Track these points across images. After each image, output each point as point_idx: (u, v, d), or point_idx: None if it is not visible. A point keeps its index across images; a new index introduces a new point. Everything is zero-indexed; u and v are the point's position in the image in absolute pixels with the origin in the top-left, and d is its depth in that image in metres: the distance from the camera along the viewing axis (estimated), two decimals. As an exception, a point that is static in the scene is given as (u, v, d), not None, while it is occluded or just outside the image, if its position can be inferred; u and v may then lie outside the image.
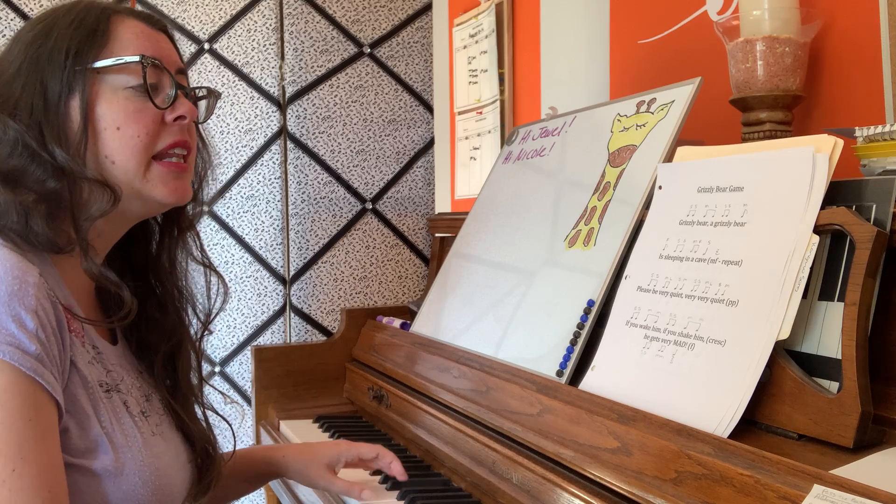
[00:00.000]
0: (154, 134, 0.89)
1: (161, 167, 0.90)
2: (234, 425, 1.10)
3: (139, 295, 0.93)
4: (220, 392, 1.16)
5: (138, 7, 2.05)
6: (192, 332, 1.03)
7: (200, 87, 0.98)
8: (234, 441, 1.11)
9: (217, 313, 1.03)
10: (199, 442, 0.97)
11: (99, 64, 0.87)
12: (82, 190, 0.86)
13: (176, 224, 1.01)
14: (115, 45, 0.88)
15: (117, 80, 0.87)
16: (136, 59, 0.88)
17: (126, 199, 0.89)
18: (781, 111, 1.10)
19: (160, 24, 0.95)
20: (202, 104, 0.98)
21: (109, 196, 0.86)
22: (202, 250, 1.03)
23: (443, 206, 2.26)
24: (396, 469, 1.21)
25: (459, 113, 2.13)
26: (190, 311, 1.02)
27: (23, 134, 0.82)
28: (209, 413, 1.04)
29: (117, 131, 0.87)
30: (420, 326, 1.62)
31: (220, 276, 1.03)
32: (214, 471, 0.99)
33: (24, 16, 1.98)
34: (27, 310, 0.73)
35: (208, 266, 1.03)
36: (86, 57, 0.86)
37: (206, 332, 1.04)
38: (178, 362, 0.99)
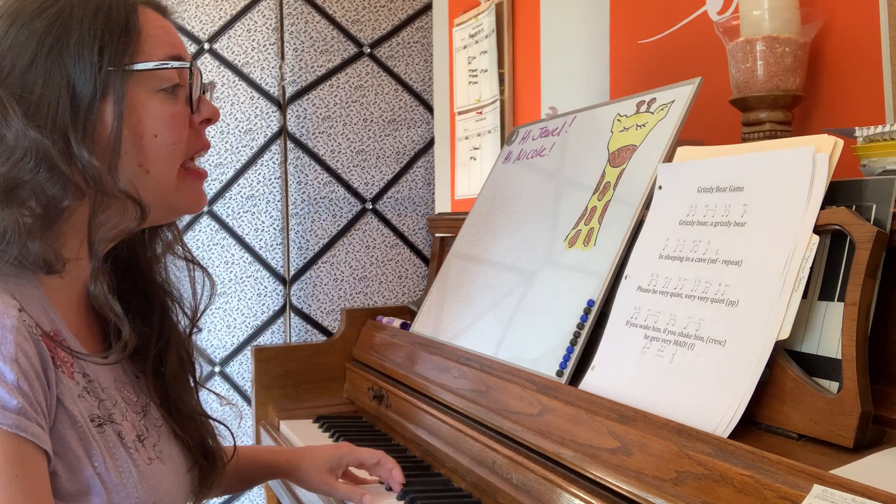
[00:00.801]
0: (186, 140, 0.85)
1: (190, 178, 0.87)
2: (232, 426, 1.08)
3: (125, 298, 0.89)
4: (216, 394, 1.12)
5: None
6: (182, 329, 0.98)
7: (206, 82, 0.92)
8: (234, 443, 1.08)
9: (205, 309, 0.98)
10: (196, 443, 0.95)
11: (140, 67, 0.80)
12: (106, 206, 0.79)
13: None
14: (148, 43, 0.82)
15: (151, 82, 0.82)
16: (186, 64, 0.83)
17: (151, 209, 0.84)
18: (781, 111, 1.10)
19: (168, 13, 0.90)
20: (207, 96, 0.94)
21: (137, 213, 0.81)
22: (183, 245, 0.97)
23: (443, 206, 2.26)
24: (397, 476, 1.19)
25: (459, 113, 2.14)
26: (178, 309, 0.98)
27: (47, 146, 0.74)
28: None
29: (154, 139, 0.82)
30: (420, 326, 1.62)
31: (204, 270, 0.97)
32: (216, 469, 0.97)
33: None
34: (6, 360, 0.68)
35: (190, 260, 0.97)
36: (121, 57, 0.79)
37: (196, 330, 0.99)
38: (167, 366, 0.94)
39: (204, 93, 0.91)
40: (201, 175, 0.89)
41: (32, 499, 0.69)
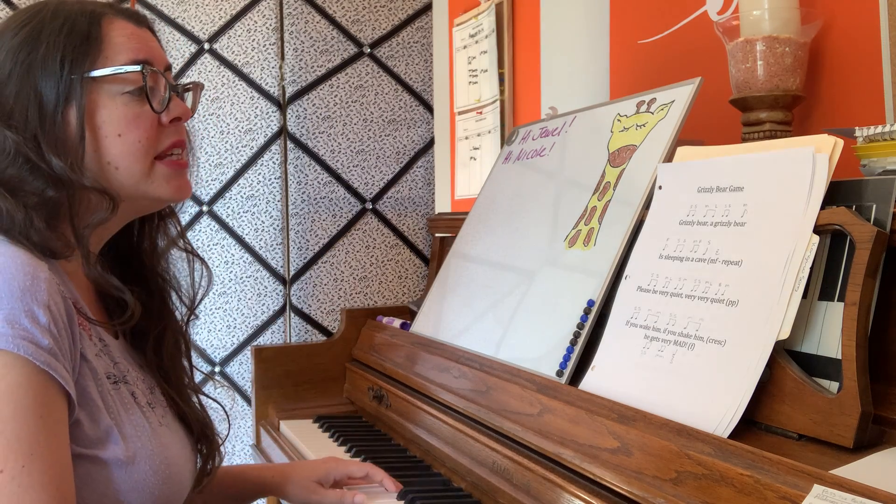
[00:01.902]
0: (154, 137, 0.90)
1: (164, 166, 0.92)
2: (229, 415, 1.11)
3: (129, 284, 0.94)
4: (204, 373, 1.16)
5: (137, 6, 2.05)
6: (179, 317, 1.04)
7: (188, 83, 0.99)
8: (229, 423, 1.11)
9: (202, 298, 1.05)
10: (197, 427, 0.98)
11: (97, 73, 0.87)
12: (82, 199, 0.86)
13: (156, 212, 1.01)
14: (110, 50, 0.88)
15: (114, 86, 0.88)
16: (137, 68, 0.89)
17: (130, 199, 0.90)
18: (781, 111, 1.10)
19: (145, 21, 0.95)
20: (188, 97, 0.99)
21: (108, 204, 0.87)
22: (183, 236, 1.04)
23: (443, 206, 2.26)
24: (388, 485, 1.20)
25: (459, 113, 2.13)
26: (176, 297, 1.03)
27: (20, 144, 0.82)
28: (204, 399, 1.05)
29: (118, 138, 0.88)
30: (420, 326, 1.62)
31: (202, 261, 1.04)
32: (215, 455, 1.00)
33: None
34: (40, 304, 0.73)
35: (190, 251, 1.04)
36: (81, 65, 0.86)
37: (193, 317, 1.05)
38: (164, 347, 1.00)
39: (178, 93, 0.96)
40: (179, 165, 0.94)
41: (52, 441, 0.72)
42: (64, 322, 0.76)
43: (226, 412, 1.10)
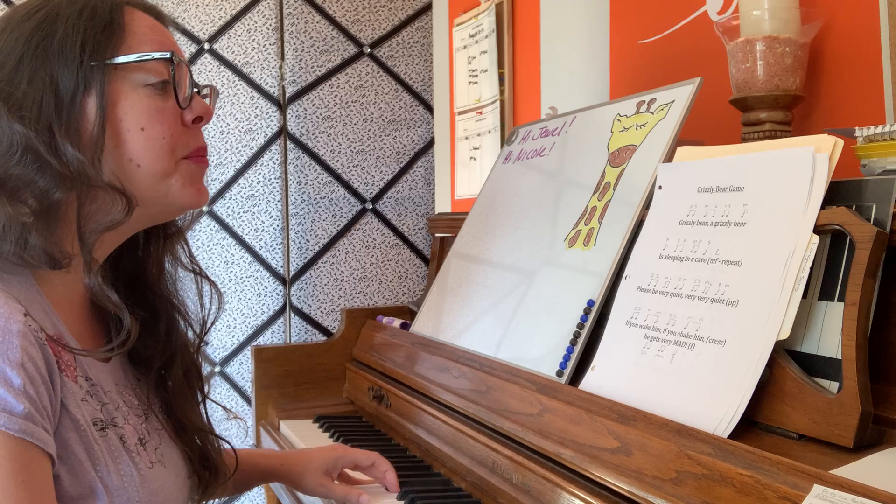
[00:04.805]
0: (177, 135, 0.84)
1: (189, 163, 0.86)
2: (238, 436, 1.08)
3: (131, 306, 0.87)
4: (223, 407, 1.10)
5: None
6: (190, 342, 0.98)
7: (205, 86, 0.93)
8: (237, 460, 1.07)
9: (213, 323, 0.98)
10: (196, 454, 0.94)
11: (121, 60, 0.81)
12: (94, 198, 0.79)
13: (162, 230, 0.95)
14: (133, 40, 0.82)
15: (136, 77, 0.82)
16: (167, 54, 0.83)
17: (146, 203, 0.84)
18: (781, 111, 1.10)
19: (167, 19, 0.90)
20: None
21: (124, 205, 0.80)
22: (191, 257, 0.97)
23: (443, 206, 2.26)
24: (390, 479, 1.19)
25: (459, 113, 2.14)
26: (186, 322, 0.97)
27: (30, 138, 0.75)
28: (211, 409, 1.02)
29: (142, 132, 0.81)
30: (420, 326, 1.62)
31: (212, 283, 0.97)
32: (217, 480, 0.97)
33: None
34: (12, 365, 0.68)
35: (199, 273, 0.97)
36: (103, 51, 0.80)
37: (203, 344, 0.99)
38: (172, 375, 0.94)
39: (202, 95, 0.90)
40: (201, 161, 0.88)
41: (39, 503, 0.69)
42: (42, 376, 0.71)
43: (235, 453, 1.05)
